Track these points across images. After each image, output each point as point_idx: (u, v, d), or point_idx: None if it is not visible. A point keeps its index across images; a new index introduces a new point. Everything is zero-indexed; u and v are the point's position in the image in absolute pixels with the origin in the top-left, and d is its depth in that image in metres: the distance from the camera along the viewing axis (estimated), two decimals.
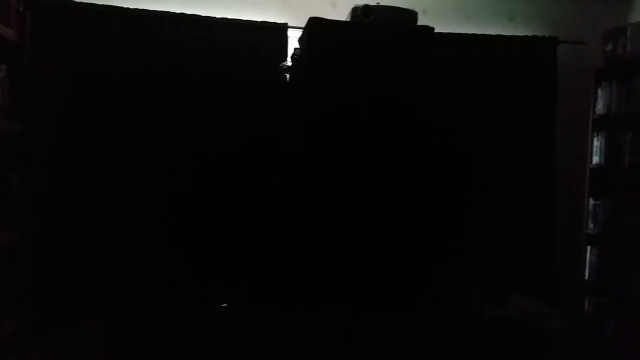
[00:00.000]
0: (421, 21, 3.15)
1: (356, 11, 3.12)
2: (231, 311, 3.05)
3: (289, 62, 3.14)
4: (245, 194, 3.26)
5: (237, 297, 3.14)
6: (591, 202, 3.68)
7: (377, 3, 3.12)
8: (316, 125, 3.04)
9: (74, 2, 2.95)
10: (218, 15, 3.13)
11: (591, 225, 3.68)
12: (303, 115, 3.05)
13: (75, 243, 3.08)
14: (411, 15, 3.18)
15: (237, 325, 2.93)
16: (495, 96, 3.54)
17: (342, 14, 3.18)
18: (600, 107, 3.66)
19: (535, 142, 3.60)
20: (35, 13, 2.84)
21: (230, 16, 3.15)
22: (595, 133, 3.67)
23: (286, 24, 3.21)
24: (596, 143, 3.68)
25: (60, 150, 3.03)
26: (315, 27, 3.02)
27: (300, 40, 3.12)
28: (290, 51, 3.19)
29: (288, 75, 3.15)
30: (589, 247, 3.70)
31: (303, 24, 3.00)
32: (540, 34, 3.56)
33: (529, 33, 3.57)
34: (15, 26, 2.74)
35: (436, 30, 3.16)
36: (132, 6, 3.05)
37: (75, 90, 3.00)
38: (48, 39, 2.89)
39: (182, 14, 3.09)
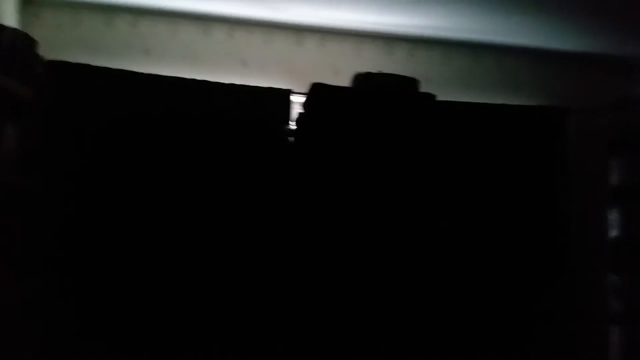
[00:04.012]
0: (424, 89, 3.30)
1: (358, 78, 3.30)
2: None
3: (292, 126, 3.29)
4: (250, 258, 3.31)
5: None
6: (612, 277, 3.57)
7: (379, 71, 3.29)
8: (320, 188, 3.16)
9: (90, 65, 3.21)
10: (225, 81, 3.35)
11: (614, 303, 3.55)
12: (307, 178, 3.17)
13: (78, 302, 3.16)
14: (413, 82, 3.34)
15: None
16: (501, 167, 3.55)
17: (344, 82, 3.35)
18: (615, 179, 3.64)
19: (547, 215, 3.56)
20: (54, 74, 3.11)
21: (237, 82, 3.36)
22: (611, 205, 3.63)
23: (290, 89, 3.39)
24: (613, 216, 3.63)
25: (68, 207, 3.18)
26: (318, 93, 3.22)
27: (304, 105, 3.29)
28: (294, 116, 3.35)
29: (292, 139, 3.28)
30: (612, 327, 3.55)
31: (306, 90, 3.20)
32: (547, 104, 3.64)
33: (536, 103, 3.66)
34: (32, 85, 2.99)
35: (439, 99, 3.30)
36: (143, 71, 3.30)
37: (86, 148, 3.19)
38: (64, 98, 3.13)
39: (192, 79, 3.32)
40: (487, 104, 3.63)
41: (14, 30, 2.92)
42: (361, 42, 3.60)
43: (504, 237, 3.52)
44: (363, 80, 3.29)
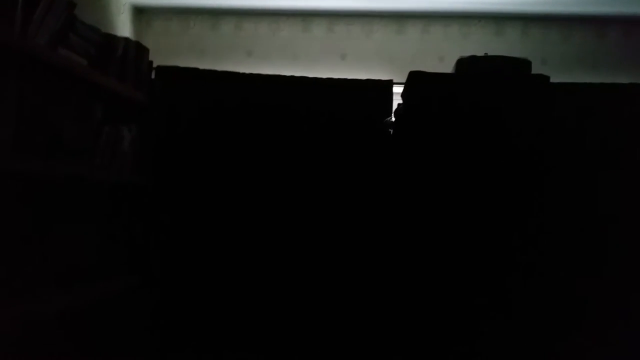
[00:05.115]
0: (539, 71, 3.03)
1: (461, 63, 3.12)
2: None
3: (393, 118, 3.19)
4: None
5: None
6: None
7: (485, 54, 3.09)
8: (420, 180, 3.05)
9: (196, 69, 3.38)
10: (324, 76, 3.34)
11: None
12: (407, 172, 3.08)
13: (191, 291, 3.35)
14: (523, 64, 3.09)
15: None
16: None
17: (450, 68, 3.19)
18: None
19: None
20: (162, 78, 3.32)
21: (336, 76, 3.35)
22: None
23: (391, 80, 3.30)
24: None
25: (181, 202, 3.38)
26: (415, 81, 3.09)
27: (402, 95, 3.18)
28: (395, 107, 3.25)
29: (392, 131, 3.20)
30: None
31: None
32: None
33: None
34: (144, 90, 3.22)
35: (555, 80, 3.01)
36: (246, 71, 3.41)
37: (195, 146, 3.37)
38: (173, 101, 3.33)
39: (292, 76, 3.36)
40: (614, 84, 3.25)
41: (126, 39, 3.16)
42: (468, 24, 3.39)
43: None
44: (466, 64, 3.10)
